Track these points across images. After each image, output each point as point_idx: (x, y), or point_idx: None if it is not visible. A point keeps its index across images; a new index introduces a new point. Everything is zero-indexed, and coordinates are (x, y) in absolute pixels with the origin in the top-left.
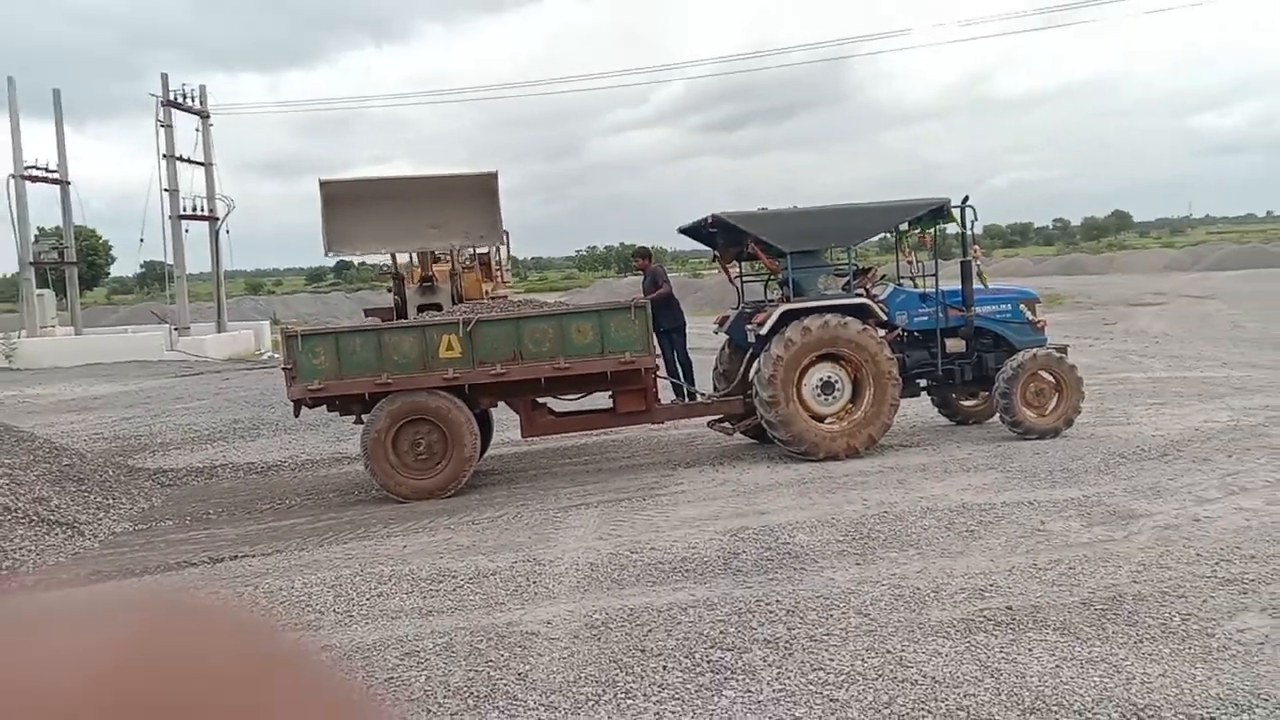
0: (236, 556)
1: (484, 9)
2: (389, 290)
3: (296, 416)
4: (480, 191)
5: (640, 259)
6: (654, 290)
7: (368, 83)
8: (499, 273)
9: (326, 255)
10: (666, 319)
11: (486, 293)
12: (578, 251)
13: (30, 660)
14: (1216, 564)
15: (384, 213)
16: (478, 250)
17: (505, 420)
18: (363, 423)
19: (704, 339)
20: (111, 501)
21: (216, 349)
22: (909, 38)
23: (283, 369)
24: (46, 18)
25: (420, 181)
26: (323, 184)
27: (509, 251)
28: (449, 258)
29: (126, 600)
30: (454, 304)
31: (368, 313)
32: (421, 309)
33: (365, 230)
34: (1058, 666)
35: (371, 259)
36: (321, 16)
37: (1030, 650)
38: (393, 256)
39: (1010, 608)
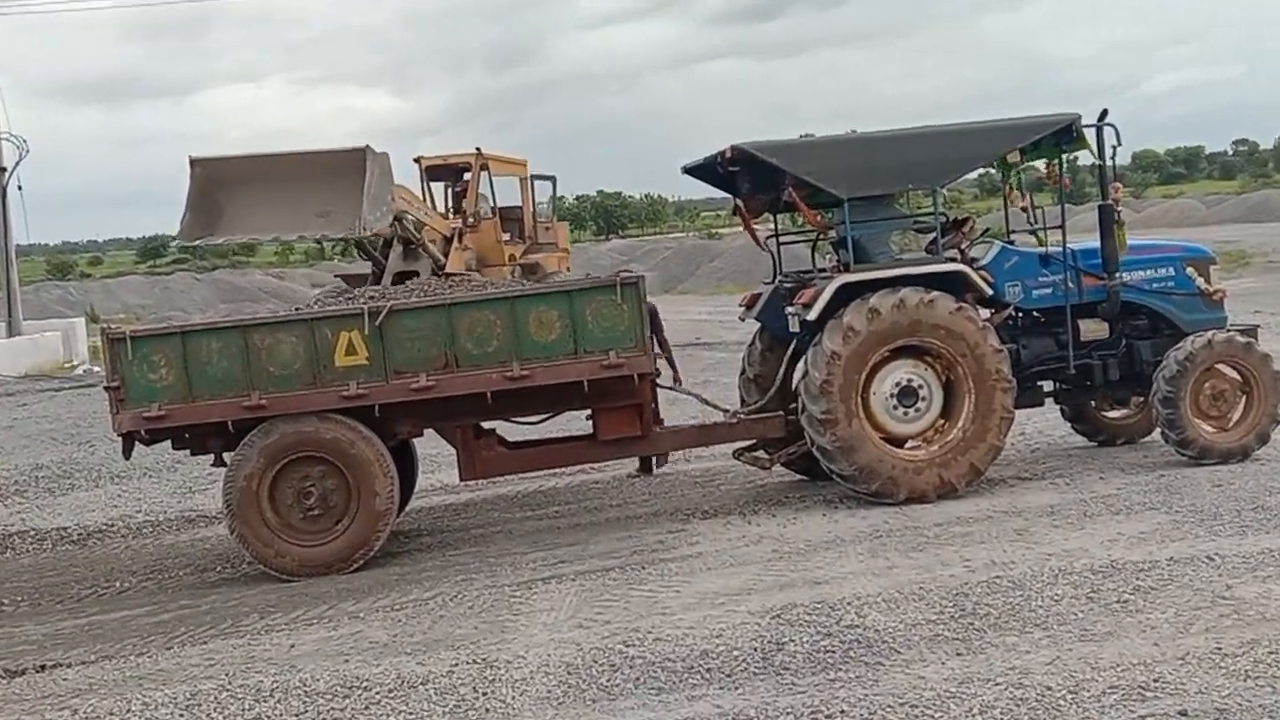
0: (44, 666)
1: None
2: (362, 257)
3: (127, 458)
4: (354, 169)
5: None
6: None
7: None
8: (534, 229)
9: (177, 241)
10: None
11: (512, 258)
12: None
13: None
14: None
15: (261, 195)
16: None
17: (436, 455)
18: (226, 465)
19: (726, 328)
20: None
21: (7, 360)
22: None
23: (106, 388)
24: None
25: (305, 159)
26: (195, 163)
27: (552, 202)
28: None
29: None
30: (434, 274)
31: (345, 279)
32: (400, 278)
33: (237, 216)
34: None
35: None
36: None
37: None
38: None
39: (1184, 713)
